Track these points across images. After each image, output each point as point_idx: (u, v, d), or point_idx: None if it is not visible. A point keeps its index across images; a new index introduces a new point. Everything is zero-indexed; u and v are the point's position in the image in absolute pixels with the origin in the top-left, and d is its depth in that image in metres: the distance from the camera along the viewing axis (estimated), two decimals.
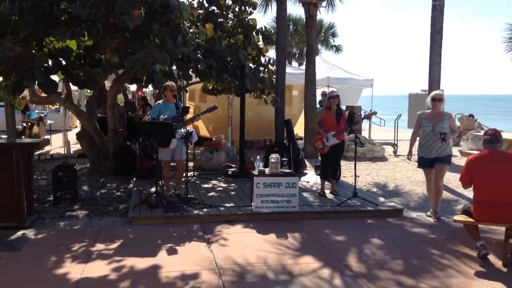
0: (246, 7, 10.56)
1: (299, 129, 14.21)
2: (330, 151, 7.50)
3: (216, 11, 10.04)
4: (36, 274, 4.53)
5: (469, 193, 8.34)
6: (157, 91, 21.60)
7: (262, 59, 10.85)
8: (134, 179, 8.95)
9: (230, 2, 10.38)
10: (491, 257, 5.01)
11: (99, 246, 5.31)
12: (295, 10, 55.18)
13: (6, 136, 10.08)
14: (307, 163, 10.73)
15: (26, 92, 10.77)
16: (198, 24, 9.45)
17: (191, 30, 7.70)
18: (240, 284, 4.31)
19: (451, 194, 8.33)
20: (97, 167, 9.50)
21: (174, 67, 8.83)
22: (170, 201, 6.81)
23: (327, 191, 7.72)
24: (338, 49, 31.30)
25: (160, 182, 6.97)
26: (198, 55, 8.53)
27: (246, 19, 10.47)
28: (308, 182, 8.87)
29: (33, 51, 7.05)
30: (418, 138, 6.82)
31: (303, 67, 18.28)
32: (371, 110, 7.92)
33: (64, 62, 7.76)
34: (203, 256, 5.04)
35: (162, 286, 4.25)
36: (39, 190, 8.04)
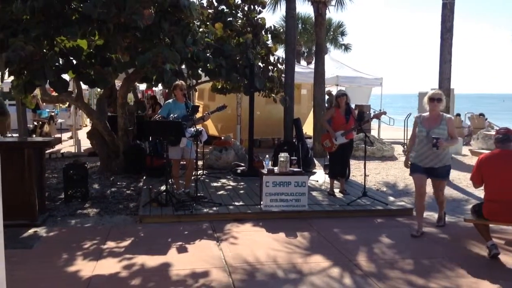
0: (255, 6, 10.57)
1: (308, 128, 14.21)
2: (338, 150, 7.49)
3: (225, 10, 10.08)
4: (48, 271, 4.58)
5: (480, 192, 8.29)
6: (166, 90, 21.78)
7: (271, 58, 10.86)
8: (144, 177, 9.00)
9: (240, 1, 10.41)
10: (502, 257, 4.98)
11: (110, 244, 5.36)
12: (304, 8, 55.02)
13: (17, 134, 10.18)
14: (316, 162, 10.72)
15: (37, 91, 10.89)
16: (208, 23, 9.48)
17: (200, 30, 7.72)
18: (250, 283, 4.32)
19: (461, 193, 8.29)
20: (108, 166, 9.56)
21: (183, 66, 8.87)
22: (180, 199, 6.84)
23: (336, 190, 7.72)
24: (347, 47, 31.22)
25: (169, 180, 7.01)
26: (207, 54, 8.56)
27: (255, 18, 10.49)
28: (317, 181, 8.87)
29: (44, 50, 7.12)
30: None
31: (312, 66, 18.28)
32: (380, 110, 7.88)
33: (74, 61, 7.83)
34: (213, 254, 5.06)
35: (172, 284, 4.27)
36: (50, 188, 8.12)
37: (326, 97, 16.18)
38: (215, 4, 10.02)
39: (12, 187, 5.84)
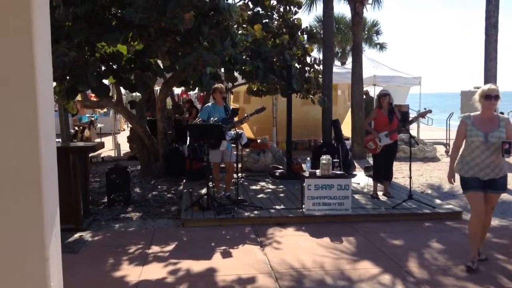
0: (291, 6, 10.47)
1: (345, 129, 13.95)
2: (382, 151, 7.29)
3: (261, 12, 10.00)
4: (95, 276, 4.60)
5: None
6: (201, 94, 21.92)
7: (308, 59, 10.73)
8: (184, 181, 9.03)
9: (275, 3, 10.32)
10: None
11: (155, 249, 5.35)
12: (338, 8, 54.50)
13: (59, 139, 10.40)
14: (355, 164, 10.51)
15: (77, 97, 11.11)
16: (244, 25, 9.44)
17: (239, 32, 7.67)
18: None
19: (511, 195, 7.92)
20: (148, 169, 9.65)
21: (221, 70, 8.86)
22: (221, 203, 6.81)
23: (379, 193, 7.51)
24: (382, 46, 30.68)
25: (210, 184, 6.98)
26: (244, 57, 8.51)
27: (291, 19, 10.39)
28: (359, 183, 8.67)
29: (86, 56, 7.23)
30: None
31: (347, 66, 18.02)
32: (425, 109, 7.59)
33: (115, 67, 7.93)
34: (258, 259, 4.98)
35: None
36: (92, 193, 8.23)
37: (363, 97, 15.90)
38: (251, 6, 9.97)
39: (58, 192, 5.90)
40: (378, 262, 4.85)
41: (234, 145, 6.87)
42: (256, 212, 6.61)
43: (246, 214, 6.52)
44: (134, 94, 13.05)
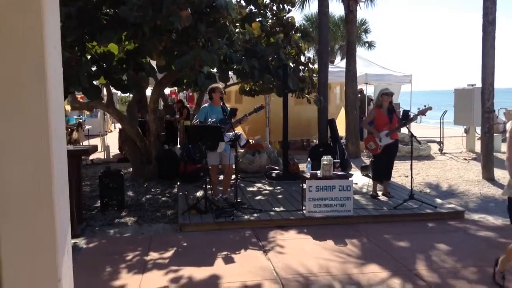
0: (285, 5, 10.31)
1: (338, 128, 13.85)
2: (383, 151, 7.17)
3: (254, 10, 9.84)
4: (95, 285, 4.40)
5: None
6: (190, 94, 21.66)
7: (302, 58, 10.59)
8: (178, 183, 8.82)
9: (268, 1, 10.16)
10: None
11: (153, 255, 5.16)
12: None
13: None
14: (351, 163, 10.39)
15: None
16: (237, 24, 9.26)
17: (236, 30, 7.49)
18: None
19: None
20: (140, 172, 9.42)
21: (214, 69, 8.67)
22: (219, 206, 6.63)
23: (379, 193, 7.40)
24: (370, 45, 30.75)
25: (204, 186, 6.77)
26: (239, 56, 8.33)
27: (285, 17, 10.24)
28: (357, 183, 8.54)
29: (77, 57, 7.00)
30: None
31: (338, 64, 17.95)
32: (425, 106, 7.48)
33: (106, 67, 7.69)
34: (262, 265, 4.82)
35: None
36: (84, 197, 7.98)
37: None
38: (244, 4, 9.79)
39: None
40: (386, 265, 4.72)
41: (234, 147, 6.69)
42: (255, 215, 6.44)
43: (246, 217, 6.35)
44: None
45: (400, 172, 9.87)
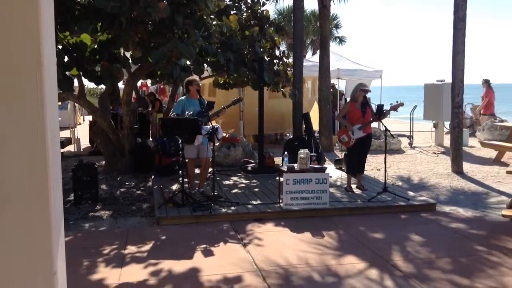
0: None
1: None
2: (357, 144, 7.29)
3: (229, 2, 9.79)
4: (72, 280, 4.27)
5: (498, 184, 8.19)
6: (161, 86, 21.40)
7: (276, 52, 10.61)
8: (153, 176, 8.74)
9: None
10: None
11: (131, 249, 5.11)
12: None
13: None
14: (325, 157, 10.51)
15: None
16: (212, 16, 9.19)
17: (214, 23, 7.44)
18: None
19: (479, 186, 8.13)
20: (113, 165, 9.28)
21: (188, 62, 8.59)
22: (196, 199, 6.60)
23: (353, 186, 7.52)
24: (341, 40, 31.05)
25: (181, 179, 6.73)
26: (214, 48, 8.28)
27: (259, 11, 10.22)
28: (331, 176, 8.63)
29: None
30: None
31: (312, 58, 18.06)
32: (397, 101, 7.65)
33: (78, 58, 7.51)
34: (241, 257, 4.84)
35: None
36: None
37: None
38: None
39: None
40: (363, 256, 4.81)
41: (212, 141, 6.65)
42: (233, 208, 6.45)
43: (223, 210, 6.35)
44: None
45: (372, 166, 10.05)
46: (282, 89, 9.85)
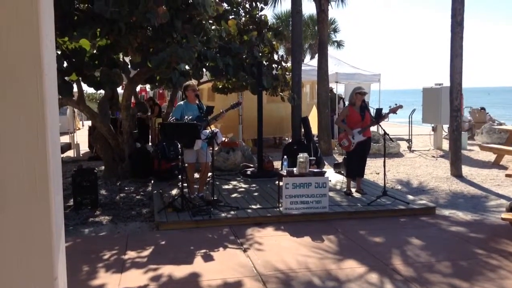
0: (257, 3, 10.33)
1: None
2: (356, 148, 7.30)
3: (227, 7, 9.81)
4: (72, 286, 4.30)
5: (497, 188, 8.19)
6: (160, 91, 21.42)
7: (275, 56, 10.63)
8: (152, 181, 8.73)
9: None
10: None
11: (131, 254, 5.10)
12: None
13: None
14: (324, 161, 10.52)
15: None
16: (210, 21, 9.21)
17: (213, 27, 7.46)
18: None
19: (478, 189, 8.14)
20: (112, 170, 9.27)
21: (187, 67, 8.61)
22: (196, 204, 6.60)
23: (352, 190, 7.52)
24: (339, 44, 31.16)
25: (180, 184, 6.72)
26: (213, 53, 8.29)
27: (258, 16, 10.25)
28: (330, 180, 8.64)
29: None
30: None
31: (311, 63, 18.10)
32: (396, 104, 7.68)
33: (78, 63, 7.52)
34: (241, 262, 4.84)
35: None
36: None
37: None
38: (217, 1, 9.74)
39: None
40: (363, 260, 4.81)
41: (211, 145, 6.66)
42: (232, 212, 6.45)
43: (223, 215, 6.35)
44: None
45: (372, 169, 10.06)
46: (280, 93, 9.88)
